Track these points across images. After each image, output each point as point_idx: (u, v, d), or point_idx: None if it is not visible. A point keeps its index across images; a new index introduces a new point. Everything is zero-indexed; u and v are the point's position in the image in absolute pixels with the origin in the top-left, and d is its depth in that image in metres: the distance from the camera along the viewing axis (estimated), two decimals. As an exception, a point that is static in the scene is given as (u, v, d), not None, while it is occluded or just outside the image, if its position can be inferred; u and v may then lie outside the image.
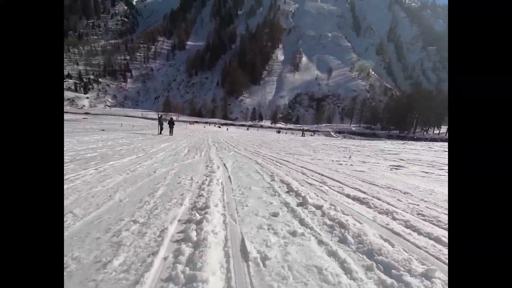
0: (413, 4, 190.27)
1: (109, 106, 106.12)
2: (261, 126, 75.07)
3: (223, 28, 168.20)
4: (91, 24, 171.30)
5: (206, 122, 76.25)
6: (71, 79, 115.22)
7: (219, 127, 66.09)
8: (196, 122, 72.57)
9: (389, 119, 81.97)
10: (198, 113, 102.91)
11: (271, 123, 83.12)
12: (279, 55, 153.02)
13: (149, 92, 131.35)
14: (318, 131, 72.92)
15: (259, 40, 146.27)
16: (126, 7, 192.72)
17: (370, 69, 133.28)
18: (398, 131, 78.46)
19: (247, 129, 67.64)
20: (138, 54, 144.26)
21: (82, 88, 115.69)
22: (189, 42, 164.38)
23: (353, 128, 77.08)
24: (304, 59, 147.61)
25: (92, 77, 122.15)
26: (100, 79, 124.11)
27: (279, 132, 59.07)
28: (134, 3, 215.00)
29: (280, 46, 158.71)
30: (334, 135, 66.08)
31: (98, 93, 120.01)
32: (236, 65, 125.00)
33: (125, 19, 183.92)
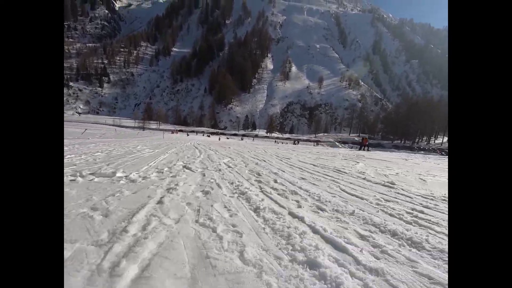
0: (393, 21, 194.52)
1: (79, 113, 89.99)
2: (256, 136, 64.07)
3: (211, 36, 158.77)
4: (66, 26, 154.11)
5: (192, 131, 63.84)
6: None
7: (208, 136, 54.05)
8: (181, 130, 60.04)
9: (391, 129, 75.17)
10: (183, 122, 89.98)
11: (267, 133, 72.44)
12: (269, 63, 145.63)
13: (129, 99, 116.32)
14: (319, 141, 63.40)
15: (248, 47, 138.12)
16: (107, 11, 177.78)
17: (360, 80, 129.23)
18: (400, 141, 71.45)
19: (241, 139, 56.33)
20: (118, 58, 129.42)
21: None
22: (174, 49, 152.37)
23: (356, 138, 68.42)
24: (294, 68, 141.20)
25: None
26: (71, 83, 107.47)
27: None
28: (117, 9, 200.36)
29: (269, 55, 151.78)
30: (340, 146, 56.80)
31: (68, 98, 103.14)
32: (225, 71, 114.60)
33: (106, 23, 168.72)
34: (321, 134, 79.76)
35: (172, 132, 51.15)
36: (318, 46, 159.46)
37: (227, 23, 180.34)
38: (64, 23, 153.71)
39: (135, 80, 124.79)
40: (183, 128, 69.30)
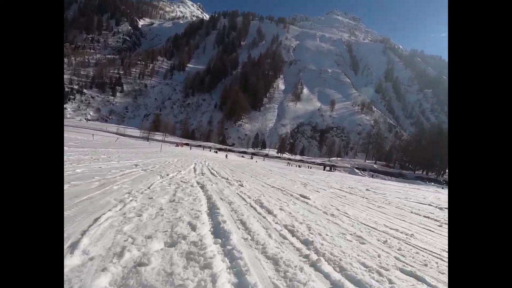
0: (404, 52, 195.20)
1: (87, 119, 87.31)
2: (266, 155, 58.62)
3: (226, 55, 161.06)
4: (90, 38, 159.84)
5: (199, 146, 59.08)
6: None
7: (216, 152, 48.95)
8: (187, 144, 55.36)
9: (411, 158, 68.74)
10: (191, 135, 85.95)
11: (277, 153, 66.94)
12: (280, 84, 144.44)
13: (139, 109, 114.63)
14: (335, 165, 57.32)
15: (261, 67, 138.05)
16: (130, 27, 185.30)
17: (373, 106, 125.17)
18: (421, 172, 64.49)
19: (251, 158, 50.97)
20: (134, 70, 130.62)
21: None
22: (189, 65, 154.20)
23: (375, 166, 61.99)
24: (305, 90, 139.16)
25: (76, 87, 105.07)
26: (84, 90, 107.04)
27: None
28: (140, 26, 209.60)
29: (281, 76, 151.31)
30: (360, 173, 50.51)
31: (80, 104, 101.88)
32: (237, 88, 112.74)
33: (127, 38, 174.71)
34: (334, 158, 73.63)
35: (177, 145, 46.34)
36: (330, 70, 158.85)
37: (242, 44, 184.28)
38: (88, 36, 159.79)
39: (147, 91, 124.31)
40: (189, 141, 64.74)
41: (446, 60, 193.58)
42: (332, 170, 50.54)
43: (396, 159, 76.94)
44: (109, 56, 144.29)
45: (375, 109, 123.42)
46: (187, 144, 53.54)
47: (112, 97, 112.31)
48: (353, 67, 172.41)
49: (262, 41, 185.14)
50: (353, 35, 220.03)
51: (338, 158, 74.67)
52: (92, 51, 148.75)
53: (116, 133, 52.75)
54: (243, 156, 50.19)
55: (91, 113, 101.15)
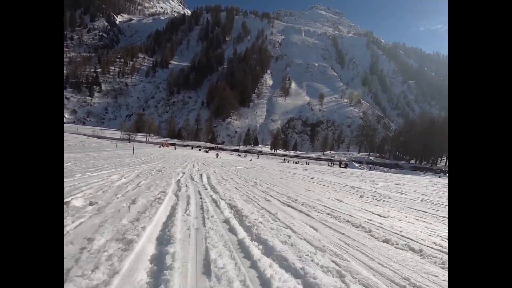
0: (387, 45, 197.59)
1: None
2: (260, 152, 54.85)
3: (211, 51, 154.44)
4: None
5: (187, 145, 54.19)
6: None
7: (206, 151, 44.49)
8: (173, 144, 50.30)
9: (404, 148, 67.76)
10: (178, 135, 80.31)
11: (271, 149, 63.34)
12: (268, 79, 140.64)
13: (121, 109, 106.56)
14: (331, 160, 54.72)
15: (248, 63, 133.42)
16: (106, 24, 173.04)
17: (360, 98, 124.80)
18: (415, 162, 63.58)
19: (244, 156, 46.98)
20: (113, 68, 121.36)
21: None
22: (173, 62, 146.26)
23: (371, 158, 60.13)
24: (294, 84, 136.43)
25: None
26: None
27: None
28: (117, 22, 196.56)
29: (269, 71, 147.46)
30: (359, 167, 48.11)
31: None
32: (224, 84, 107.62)
33: (104, 35, 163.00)
34: (328, 152, 71.29)
35: (161, 146, 41.35)
36: (316, 64, 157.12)
37: (226, 40, 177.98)
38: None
39: (128, 90, 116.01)
40: (176, 141, 59.50)
41: (426, 52, 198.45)
42: (330, 165, 47.73)
43: (388, 150, 76.12)
44: (84, 54, 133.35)
45: (363, 101, 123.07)
46: (173, 144, 48.49)
47: (90, 98, 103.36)
48: (339, 60, 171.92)
49: (248, 36, 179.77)
50: (337, 29, 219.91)
51: (332, 152, 72.44)
52: (65, 49, 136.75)
53: (92, 136, 46.67)
54: (239, 155, 46.15)
55: (66, 116, 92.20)
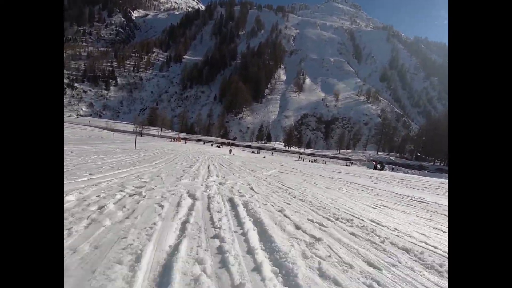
0: (408, 39, 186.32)
1: (79, 115, 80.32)
2: (274, 149, 52.40)
3: (224, 46, 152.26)
4: (81, 30, 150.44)
5: (199, 140, 52.74)
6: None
7: (218, 147, 42.72)
8: (185, 138, 48.98)
9: (430, 148, 62.71)
10: (190, 129, 79.42)
11: (285, 146, 60.68)
12: (282, 74, 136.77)
13: (135, 103, 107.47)
14: (349, 159, 51.29)
15: (262, 57, 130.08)
16: (123, 19, 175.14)
17: (378, 95, 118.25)
18: (440, 163, 58.58)
19: (258, 153, 44.76)
20: (128, 62, 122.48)
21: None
22: (186, 56, 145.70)
23: (392, 158, 56.00)
24: (308, 80, 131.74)
25: (66, 81, 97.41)
26: (76, 84, 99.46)
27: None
28: (134, 18, 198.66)
29: (282, 66, 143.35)
30: (379, 166, 44.48)
31: (71, 99, 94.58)
32: (237, 79, 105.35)
33: (121, 30, 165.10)
34: (344, 151, 67.52)
35: (173, 140, 39.96)
36: (332, 59, 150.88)
37: (240, 34, 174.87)
38: (79, 28, 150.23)
39: (143, 84, 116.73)
40: (188, 136, 58.31)
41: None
42: (349, 164, 44.49)
43: (409, 150, 71.16)
44: (101, 48, 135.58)
45: (381, 98, 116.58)
46: (184, 139, 47.12)
47: (106, 91, 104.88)
48: (356, 55, 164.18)
49: (261, 30, 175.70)
50: (355, 23, 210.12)
51: (349, 151, 68.51)
52: (84, 44, 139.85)
53: (105, 128, 46.26)
54: (253, 152, 44.06)
55: (83, 108, 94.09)
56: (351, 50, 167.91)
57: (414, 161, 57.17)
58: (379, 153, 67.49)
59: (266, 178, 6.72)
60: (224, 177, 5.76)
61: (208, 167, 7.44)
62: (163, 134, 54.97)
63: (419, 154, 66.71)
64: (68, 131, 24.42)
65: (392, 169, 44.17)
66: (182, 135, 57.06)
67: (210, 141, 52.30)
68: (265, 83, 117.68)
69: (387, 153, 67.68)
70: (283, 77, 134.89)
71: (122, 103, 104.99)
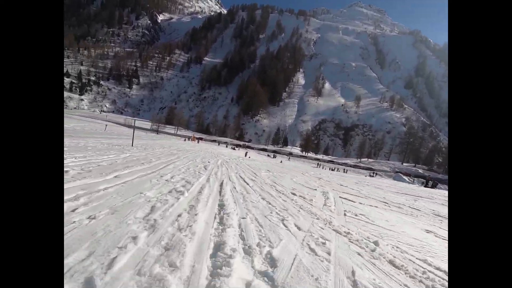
0: (437, 46, 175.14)
1: (102, 111, 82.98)
2: (291, 154, 49.65)
3: (244, 49, 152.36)
4: (111, 32, 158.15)
5: (213, 141, 51.39)
6: (68, 77, 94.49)
7: (233, 148, 40.92)
8: (201, 138, 47.85)
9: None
10: (206, 130, 78.96)
11: (302, 151, 57.68)
12: (300, 78, 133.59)
13: (155, 102, 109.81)
14: (372, 169, 47.18)
15: (281, 61, 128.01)
16: (149, 22, 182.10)
17: (403, 102, 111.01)
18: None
19: (274, 157, 42.33)
20: (151, 62, 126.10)
21: (78, 89, 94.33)
22: (206, 58, 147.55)
23: (420, 171, 50.96)
24: (327, 85, 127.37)
25: (93, 78, 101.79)
26: (101, 82, 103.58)
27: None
28: (159, 21, 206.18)
29: (301, 70, 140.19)
30: (408, 180, 40.11)
31: (96, 96, 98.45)
32: (255, 81, 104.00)
33: (146, 32, 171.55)
34: (365, 160, 62.99)
35: (187, 139, 38.74)
36: (354, 64, 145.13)
37: (260, 37, 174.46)
38: (109, 30, 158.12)
39: (163, 84, 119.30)
40: (203, 136, 57.35)
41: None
42: (372, 175, 40.59)
43: (438, 163, 65.08)
44: (127, 49, 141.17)
45: (406, 106, 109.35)
46: (200, 139, 45.93)
47: (128, 89, 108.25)
48: (379, 61, 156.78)
49: (282, 34, 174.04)
50: (379, 28, 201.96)
51: (370, 160, 63.87)
52: (112, 44, 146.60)
53: (124, 125, 46.43)
54: (268, 155, 41.76)
55: (107, 105, 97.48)
56: (374, 55, 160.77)
57: (445, 175, 51.53)
58: (404, 164, 62.11)
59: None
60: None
61: (221, 188, 4.67)
62: (179, 133, 54.42)
63: (447, 167, 60.51)
64: (76, 124, 23.68)
65: (423, 184, 39.58)
66: (198, 135, 56.18)
67: (225, 142, 50.78)
68: (283, 86, 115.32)
69: (414, 164, 62.11)
70: (302, 81, 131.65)
71: (143, 101, 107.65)
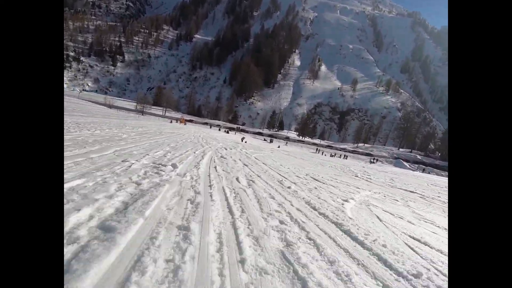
0: (435, 29, 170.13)
1: (83, 90, 75.47)
2: (288, 138, 46.58)
3: (237, 26, 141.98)
4: (91, 2, 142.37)
5: (205, 123, 47.29)
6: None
7: (227, 132, 37.29)
8: (191, 121, 43.62)
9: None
10: (197, 112, 73.99)
11: (298, 135, 54.71)
12: (296, 60, 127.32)
13: (142, 81, 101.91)
14: (371, 154, 45.13)
15: (276, 40, 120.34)
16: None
17: (399, 87, 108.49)
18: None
19: (270, 141, 39.14)
20: (137, 38, 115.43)
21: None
22: (197, 35, 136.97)
23: (418, 157, 49.47)
24: (323, 67, 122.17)
25: (72, 53, 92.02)
26: (82, 58, 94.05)
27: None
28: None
29: (297, 51, 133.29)
30: (409, 166, 38.31)
31: (76, 74, 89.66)
32: (249, 61, 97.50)
33: (131, 4, 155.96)
34: (362, 145, 61.08)
35: (177, 121, 34.60)
36: (351, 46, 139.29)
37: (254, 15, 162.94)
38: (88, 0, 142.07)
39: (151, 62, 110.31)
40: (194, 118, 52.92)
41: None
42: (373, 161, 38.46)
43: (434, 149, 64.36)
44: (110, 23, 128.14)
45: (402, 90, 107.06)
46: (190, 121, 41.73)
47: (112, 67, 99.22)
48: (376, 43, 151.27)
49: (277, 11, 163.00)
50: (377, 9, 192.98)
51: (367, 145, 62.03)
52: (92, 17, 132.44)
53: (103, 104, 41.20)
54: (264, 140, 38.48)
55: (89, 84, 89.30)
56: (372, 37, 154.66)
57: (442, 161, 50.44)
58: (401, 149, 60.77)
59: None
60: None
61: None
62: (168, 114, 49.71)
63: (444, 153, 59.76)
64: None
65: (424, 170, 37.93)
66: (188, 117, 51.68)
67: (218, 125, 46.83)
68: (278, 67, 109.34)
69: (410, 150, 60.85)
70: (297, 63, 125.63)
71: (129, 80, 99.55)
